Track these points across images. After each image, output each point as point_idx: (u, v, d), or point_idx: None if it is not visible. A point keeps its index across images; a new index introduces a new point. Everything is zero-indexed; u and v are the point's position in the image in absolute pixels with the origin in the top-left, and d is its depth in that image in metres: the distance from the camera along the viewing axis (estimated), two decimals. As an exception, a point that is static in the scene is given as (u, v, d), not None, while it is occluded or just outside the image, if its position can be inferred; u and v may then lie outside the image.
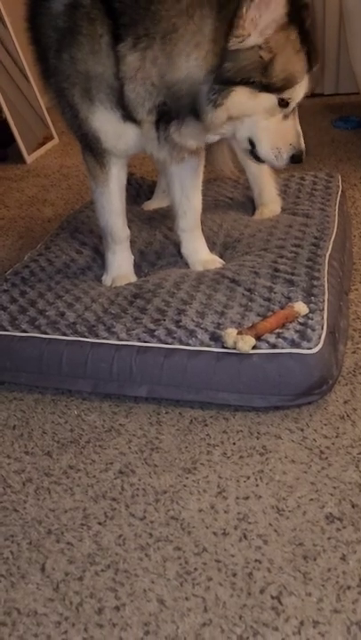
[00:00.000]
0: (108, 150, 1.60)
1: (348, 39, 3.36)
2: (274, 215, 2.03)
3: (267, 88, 1.39)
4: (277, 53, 1.35)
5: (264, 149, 1.50)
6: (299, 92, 1.44)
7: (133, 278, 1.76)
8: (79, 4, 1.43)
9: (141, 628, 0.97)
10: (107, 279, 1.76)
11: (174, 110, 1.43)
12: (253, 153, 1.52)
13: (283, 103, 1.43)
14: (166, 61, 1.38)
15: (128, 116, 1.49)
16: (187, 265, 1.79)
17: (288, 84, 1.40)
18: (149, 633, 0.96)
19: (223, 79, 1.35)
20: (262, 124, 1.45)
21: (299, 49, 1.38)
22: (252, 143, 1.50)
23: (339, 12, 3.92)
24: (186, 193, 1.75)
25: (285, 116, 1.47)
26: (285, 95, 1.42)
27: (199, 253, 1.79)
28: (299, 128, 1.51)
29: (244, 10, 1.30)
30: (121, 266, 1.77)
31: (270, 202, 2.07)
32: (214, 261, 1.77)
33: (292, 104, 1.45)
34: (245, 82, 1.36)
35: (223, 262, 1.77)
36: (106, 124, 1.53)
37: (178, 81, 1.39)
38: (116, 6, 1.39)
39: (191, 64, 1.36)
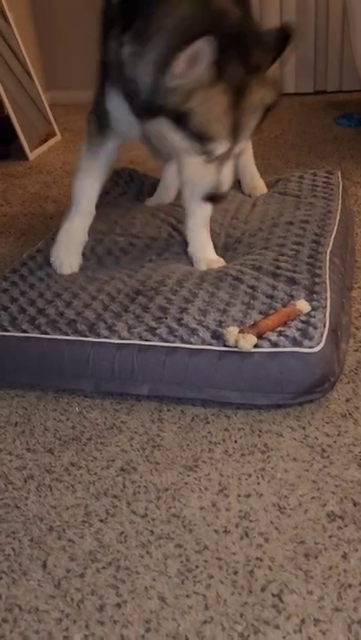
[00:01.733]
0: (112, 128, 1.69)
1: (351, 36, 3.36)
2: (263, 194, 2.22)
3: (181, 130, 1.43)
4: (195, 108, 1.40)
5: (182, 179, 1.60)
6: (216, 150, 1.46)
7: (77, 253, 1.81)
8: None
9: (142, 626, 0.97)
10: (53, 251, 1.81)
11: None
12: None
13: (203, 150, 1.46)
14: (138, 58, 1.45)
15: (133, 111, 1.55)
16: (191, 262, 1.79)
17: (201, 138, 1.44)
18: (150, 630, 0.97)
19: (151, 104, 1.43)
20: (186, 156, 1.50)
21: (218, 116, 1.41)
22: None
23: (342, 9, 3.92)
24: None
25: (207, 161, 1.49)
26: (201, 146, 1.45)
27: (205, 252, 1.80)
28: (225, 173, 1.52)
29: (180, 55, 1.34)
30: (70, 235, 1.81)
31: (260, 184, 2.26)
32: (219, 261, 1.77)
33: (212, 155, 1.47)
34: (164, 115, 1.43)
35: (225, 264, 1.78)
36: (117, 109, 1.61)
37: (137, 80, 1.46)
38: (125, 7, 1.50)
39: (145, 79, 1.44)
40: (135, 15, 1.46)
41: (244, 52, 1.39)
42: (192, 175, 1.53)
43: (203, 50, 1.31)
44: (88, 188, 1.79)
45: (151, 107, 1.44)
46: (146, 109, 1.47)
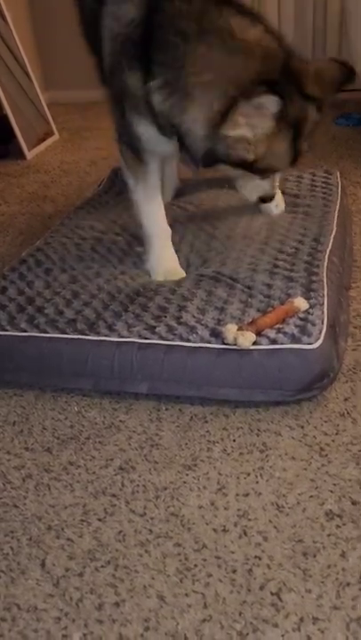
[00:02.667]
0: (146, 150, 1.66)
1: (349, 35, 3.36)
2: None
3: (246, 169, 1.48)
4: (261, 154, 1.43)
5: (242, 192, 1.70)
6: (277, 175, 1.61)
7: (182, 273, 1.74)
8: (129, 37, 1.50)
9: (141, 624, 0.97)
10: (157, 275, 1.74)
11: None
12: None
13: (263, 177, 1.58)
14: (179, 112, 1.44)
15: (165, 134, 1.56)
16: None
17: (266, 172, 1.55)
18: (149, 629, 0.97)
19: (213, 157, 1.45)
20: (243, 176, 1.57)
21: (285, 151, 1.46)
22: None
23: (340, 9, 3.92)
24: None
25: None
26: (262, 175, 1.56)
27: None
28: (274, 184, 1.66)
29: (240, 106, 1.34)
30: (166, 261, 1.76)
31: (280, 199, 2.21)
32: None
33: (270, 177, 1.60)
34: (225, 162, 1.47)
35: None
36: (146, 132, 1.59)
37: (185, 130, 1.47)
38: (153, 50, 1.46)
39: (195, 126, 1.43)
40: (149, 47, 1.44)
41: (297, 82, 1.40)
42: (247, 187, 1.65)
43: (268, 102, 1.32)
44: (157, 215, 1.76)
45: (211, 156, 1.45)
46: (205, 159, 1.47)
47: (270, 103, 1.32)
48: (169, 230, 1.78)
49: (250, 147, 1.41)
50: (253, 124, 1.37)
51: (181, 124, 1.45)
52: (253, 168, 1.47)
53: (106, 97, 1.72)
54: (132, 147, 1.67)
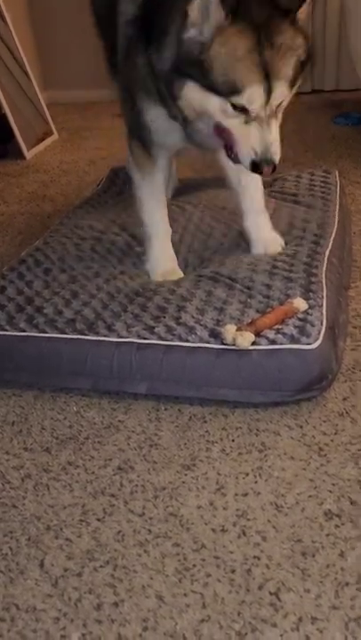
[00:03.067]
0: (156, 142, 1.66)
1: (348, 35, 3.36)
2: None
3: (210, 89, 1.36)
4: (216, 54, 1.32)
5: (225, 148, 1.46)
6: (251, 101, 1.35)
7: (181, 274, 1.73)
8: (133, 20, 1.54)
9: (140, 624, 0.97)
10: (155, 275, 1.73)
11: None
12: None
13: (237, 108, 1.36)
14: (158, 55, 1.44)
15: (171, 114, 1.53)
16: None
17: (230, 90, 1.34)
18: (148, 629, 0.97)
19: (175, 67, 1.38)
20: (225, 122, 1.40)
21: (242, 56, 1.32)
22: None
23: (339, 8, 3.92)
24: (247, 185, 1.79)
25: (248, 122, 1.38)
26: (234, 101, 1.35)
27: (265, 233, 1.81)
28: (269, 137, 1.39)
29: (193, 3, 1.31)
30: (165, 261, 1.76)
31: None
32: (276, 240, 1.79)
33: (251, 112, 1.36)
34: (191, 77, 1.37)
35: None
36: (156, 119, 1.59)
37: (160, 72, 1.45)
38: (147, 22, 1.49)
39: (166, 55, 1.42)
40: (151, 31, 1.47)
41: None
42: (236, 141, 1.41)
43: None
44: (159, 214, 1.76)
45: (177, 65, 1.38)
46: (173, 69, 1.39)
47: None
48: (169, 230, 1.78)
49: (205, 45, 1.33)
50: (206, 20, 1.31)
51: (161, 57, 1.43)
52: (218, 83, 1.34)
53: (117, 91, 1.73)
54: (142, 140, 1.68)
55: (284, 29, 1.35)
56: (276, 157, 1.40)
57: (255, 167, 1.41)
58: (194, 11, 1.32)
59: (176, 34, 1.38)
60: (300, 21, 1.39)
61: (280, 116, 1.42)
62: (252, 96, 1.34)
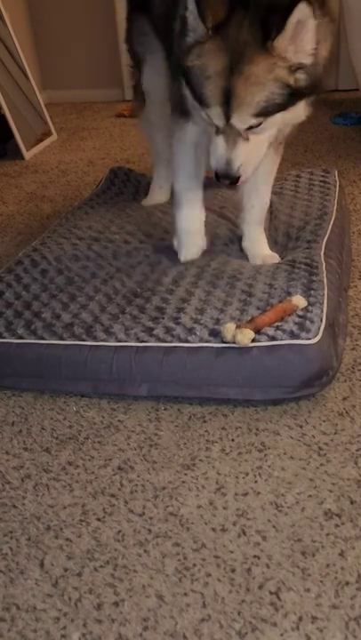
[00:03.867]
0: (190, 111, 1.65)
1: (347, 35, 3.36)
2: None
3: (192, 93, 1.44)
4: (190, 63, 1.38)
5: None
6: (212, 117, 1.40)
7: (203, 243, 1.77)
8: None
9: (140, 624, 0.97)
10: (182, 257, 1.77)
11: None
12: None
13: (206, 115, 1.42)
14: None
15: None
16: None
17: (200, 101, 1.41)
18: (148, 628, 0.97)
19: (179, 67, 1.46)
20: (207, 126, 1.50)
21: (209, 76, 1.36)
22: None
23: (338, 8, 3.91)
24: (257, 186, 1.76)
25: (218, 133, 1.42)
26: (203, 111, 1.42)
27: (260, 248, 1.80)
28: (230, 153, 1.42)
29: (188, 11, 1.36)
30: (191, 225, 1.78)
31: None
32: (273, 257, 1.78)
33: (213, 124, 1.42)
34: (184, 77, 1.44)
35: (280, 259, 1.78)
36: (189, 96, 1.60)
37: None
38: None
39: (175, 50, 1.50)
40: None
41: (254, 13, 1.31)
42: (210, 147, 1.47)
43: (191, 2, 1.32)
44: (188, 174, 1.76)
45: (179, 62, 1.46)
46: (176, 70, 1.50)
47: (191, 2, 1.33)
48: (201, 195, 1.78)
49: (188, 52, 1.39)
50: (193, 30, 1.37)
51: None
52: (192, 89, 1.42)
53: (169, 80, 1.77)
54: (179, 108, 1.67)
55: (258, 59, 1.32)
56: (234, 174, 1.44)
57: (216, 176, 1.47)
58: (189, 18, 1.36)
59: (176, 36, 1.43)
60: (294, 51, 1.32)
61: (263, 139, 1.44)
62: (212, 115, 1.40)
